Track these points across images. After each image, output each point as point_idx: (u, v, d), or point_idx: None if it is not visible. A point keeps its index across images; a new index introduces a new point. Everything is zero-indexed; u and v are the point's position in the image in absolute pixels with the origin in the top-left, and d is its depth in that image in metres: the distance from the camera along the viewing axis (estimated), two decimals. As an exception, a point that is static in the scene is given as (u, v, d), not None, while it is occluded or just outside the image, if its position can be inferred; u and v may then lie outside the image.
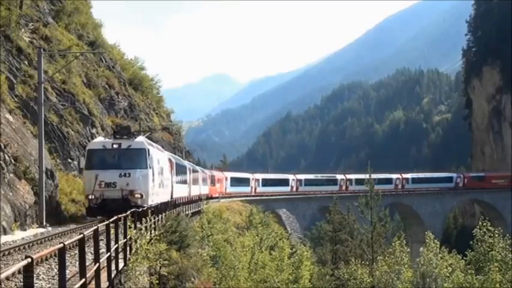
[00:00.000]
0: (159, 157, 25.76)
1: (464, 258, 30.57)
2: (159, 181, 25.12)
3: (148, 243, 14.97)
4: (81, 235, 8.42)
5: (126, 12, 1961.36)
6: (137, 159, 22.30)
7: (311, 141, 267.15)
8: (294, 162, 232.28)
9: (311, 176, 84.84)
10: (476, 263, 29.55)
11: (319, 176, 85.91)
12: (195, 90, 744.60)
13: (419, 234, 62.16)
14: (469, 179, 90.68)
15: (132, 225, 15.05)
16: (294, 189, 79.34)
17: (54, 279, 10.05)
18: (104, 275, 10.19)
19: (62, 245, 6.98)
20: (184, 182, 36.68)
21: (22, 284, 6.34)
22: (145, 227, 16.45)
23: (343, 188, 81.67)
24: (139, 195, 21.77)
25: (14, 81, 27.19)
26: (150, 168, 22.62)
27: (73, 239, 8.43)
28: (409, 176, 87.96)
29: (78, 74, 36.22)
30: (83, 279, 8.11)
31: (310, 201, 78.03)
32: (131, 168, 22.12)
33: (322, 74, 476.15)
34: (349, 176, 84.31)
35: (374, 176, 40.08)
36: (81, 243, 8.46)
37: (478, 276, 28.07)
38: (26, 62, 29.10)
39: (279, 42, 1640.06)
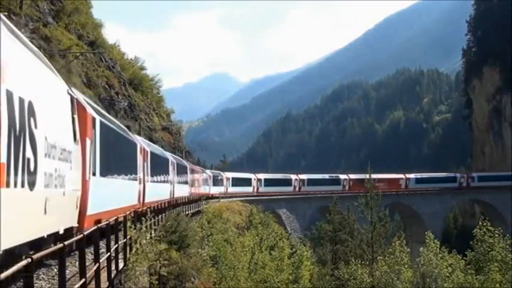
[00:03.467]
0: (43, 83, 8.68)
1: (464, 258, 30.67)
2: (34, 161, 7.49)
3: (148, 243, 14.95)
4: (81, 235, 8.42)
5: (126, 12, 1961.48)
6: None
7: (311, 141, 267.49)
8: (294, 162, 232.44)
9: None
10: (476, 263, 29.62)
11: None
12: (195, 90, 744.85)
13: (419, 234, 62.11)
14: (354, 182, 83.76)
15: (132, 226, 15.02)
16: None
17: (54, 279, 10.03)
18: (104, 275, 10.18)
19: (62, 245, 6.97)
20: (134, 178, 20.26)
21: (22, 284, 6.33)
22: (145, 227, 16.40)
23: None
24: None
25: (14, 81, 27.17)
26: None
27: (73, 239, 8.43)
28: (304, 177, 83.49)
29: (78, 74, 36.20)
30: (83, 279, 8.11)
31: (310, 201, 78.07)
32: None
33: (322, 73, 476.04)
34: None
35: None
36: (80, 243, 8.46)
37: (478, 276, 28.13)
38: (26, 62, 29.07)
39: (279, 42, 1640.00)
